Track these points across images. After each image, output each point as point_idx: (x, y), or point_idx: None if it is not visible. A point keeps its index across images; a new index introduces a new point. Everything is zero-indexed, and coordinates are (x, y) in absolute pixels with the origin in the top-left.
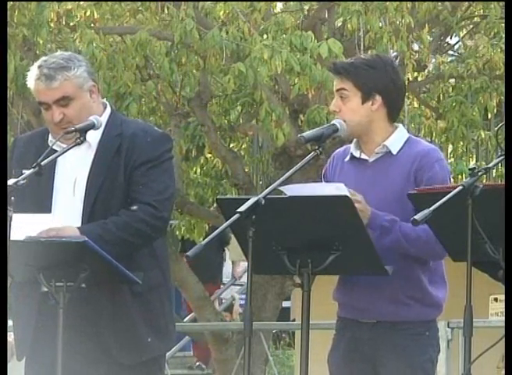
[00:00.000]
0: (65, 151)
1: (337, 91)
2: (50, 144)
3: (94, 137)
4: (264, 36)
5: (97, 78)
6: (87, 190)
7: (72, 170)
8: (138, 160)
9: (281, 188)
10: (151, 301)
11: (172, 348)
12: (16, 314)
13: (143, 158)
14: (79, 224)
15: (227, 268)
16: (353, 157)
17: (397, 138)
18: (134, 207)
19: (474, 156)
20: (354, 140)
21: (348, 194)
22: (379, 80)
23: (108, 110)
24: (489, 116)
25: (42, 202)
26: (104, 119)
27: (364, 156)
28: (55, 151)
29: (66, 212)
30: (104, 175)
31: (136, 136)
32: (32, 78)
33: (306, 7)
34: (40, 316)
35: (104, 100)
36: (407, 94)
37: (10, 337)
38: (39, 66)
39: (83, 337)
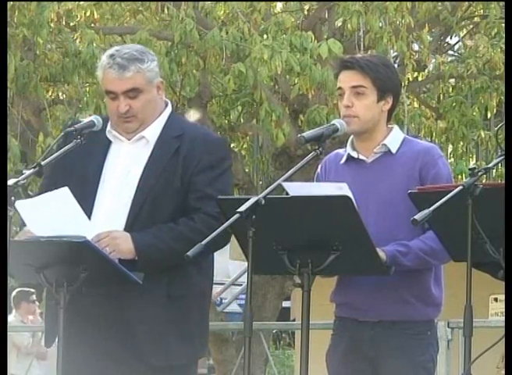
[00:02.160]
0: (66, 150)
1: (353, 87)
2: (107, 134)
3: (152, 134)
4: (264, 36)
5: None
6: (139, 186)
7: (126, 165)
8: (199, 165)
9: (283, 184)
10: (188, 308)
11: (203, 356)
12: (46, 303)
13: (204, 163)
14: (123, 219)
15: (225, 268)
16: (349, 158)
17: (395, 138)
18: (195, 217)
19: (474, 156)
20: (349, 141)
21: (349, 195)
22: (393, 80)
23: (169, 109)
24: (489, 115)
25: (86, 190)
26: (164, 117)
27: (361, 157)
28: (110, 142)
29: (112, 206)
30: (159, 175)
31: (195, 140)
32: (102, 67)
33: (306, 7)
34: (67, 311)
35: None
36: (406, 94)
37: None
38: (111, 55)
39: (115, 338)
